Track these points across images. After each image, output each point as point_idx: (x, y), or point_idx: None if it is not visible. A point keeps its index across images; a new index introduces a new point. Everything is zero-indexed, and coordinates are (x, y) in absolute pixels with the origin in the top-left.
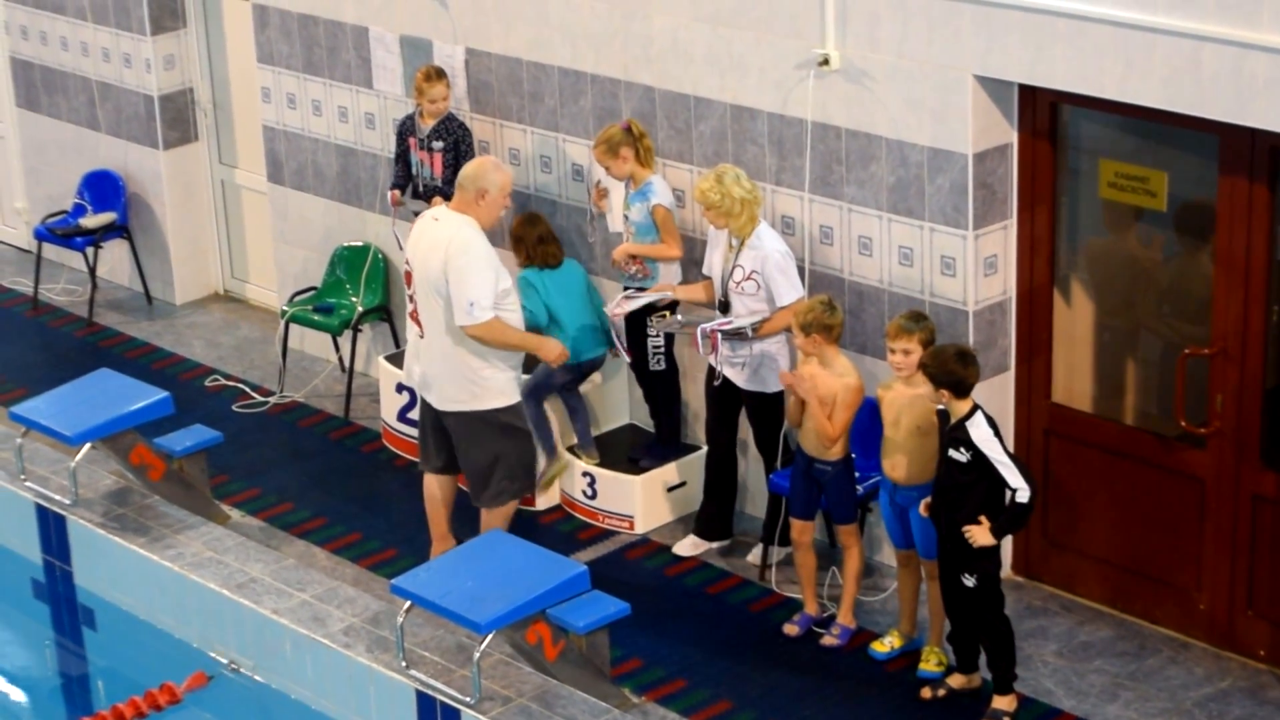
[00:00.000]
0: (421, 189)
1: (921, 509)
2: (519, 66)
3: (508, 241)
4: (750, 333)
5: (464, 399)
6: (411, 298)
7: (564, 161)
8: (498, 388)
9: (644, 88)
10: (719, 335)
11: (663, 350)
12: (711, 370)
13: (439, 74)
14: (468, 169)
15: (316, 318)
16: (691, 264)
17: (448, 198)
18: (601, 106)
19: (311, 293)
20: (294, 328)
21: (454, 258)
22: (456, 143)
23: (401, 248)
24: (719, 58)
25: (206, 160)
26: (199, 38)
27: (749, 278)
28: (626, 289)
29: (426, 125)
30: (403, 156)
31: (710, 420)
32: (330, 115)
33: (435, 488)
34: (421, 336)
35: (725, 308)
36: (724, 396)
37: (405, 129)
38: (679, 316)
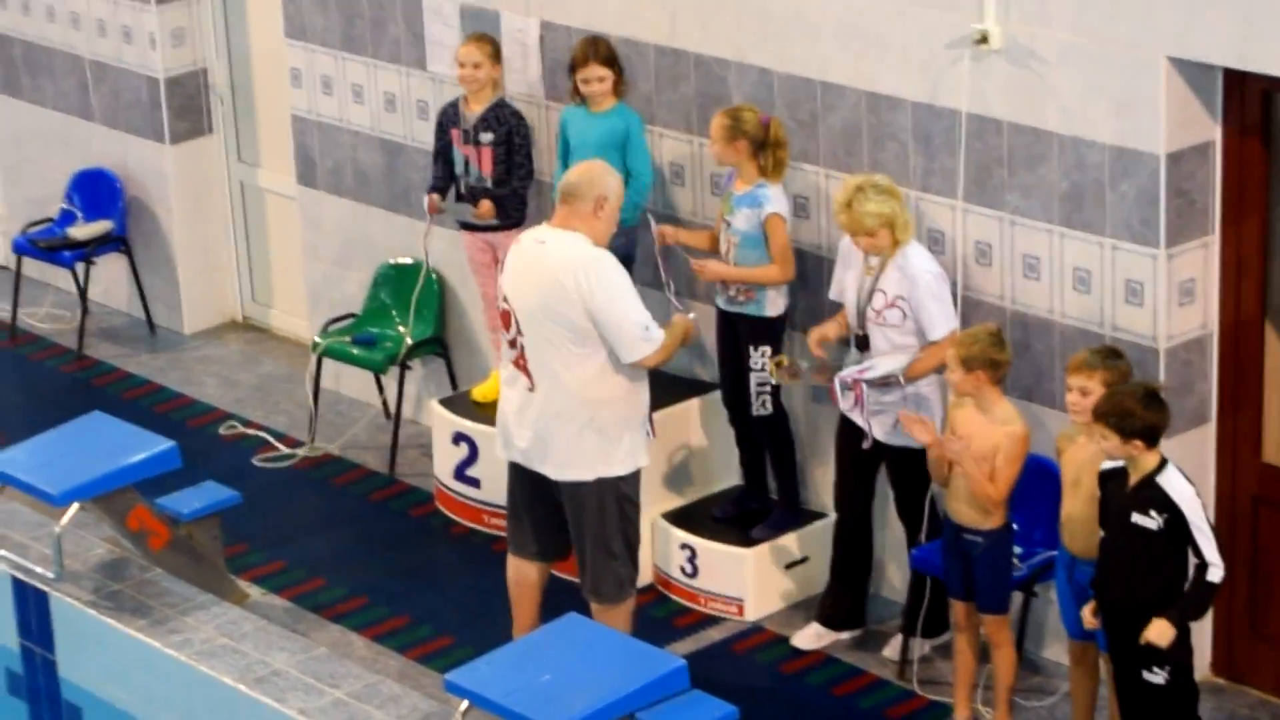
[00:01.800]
0: (465, 191)
1: (1087, 615)
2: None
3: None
4: (900, 378)
5: (591, 465)
6: (514, 342)
7: (661, 160)
8: (628, 449)
9: (759, 71)
10: (863, 386)
11: (769, 390)
12: (848, 425)
13: (479, 37)
14: (578, 175)
15: (356, 352)
16: (800, 288)
17: (498, 201)
18: (706, 93)
19: (350, 321)
20: (328, 363)
21: (594, 285)
22: (509, 134)
23: (428, 263)
24: (852, 34)
25: (223, 157)
26: (214, 6)
27: (892, 305)
28: (728, 315)
29: (473, 113)
30: (443, 153)
31: (841, 481)
32: (375, 103)
33: (533, 573)
34: (532, 389)
35: (862, 343)
36: (860, 450)
37: (446, 119)
38: (804, 364)
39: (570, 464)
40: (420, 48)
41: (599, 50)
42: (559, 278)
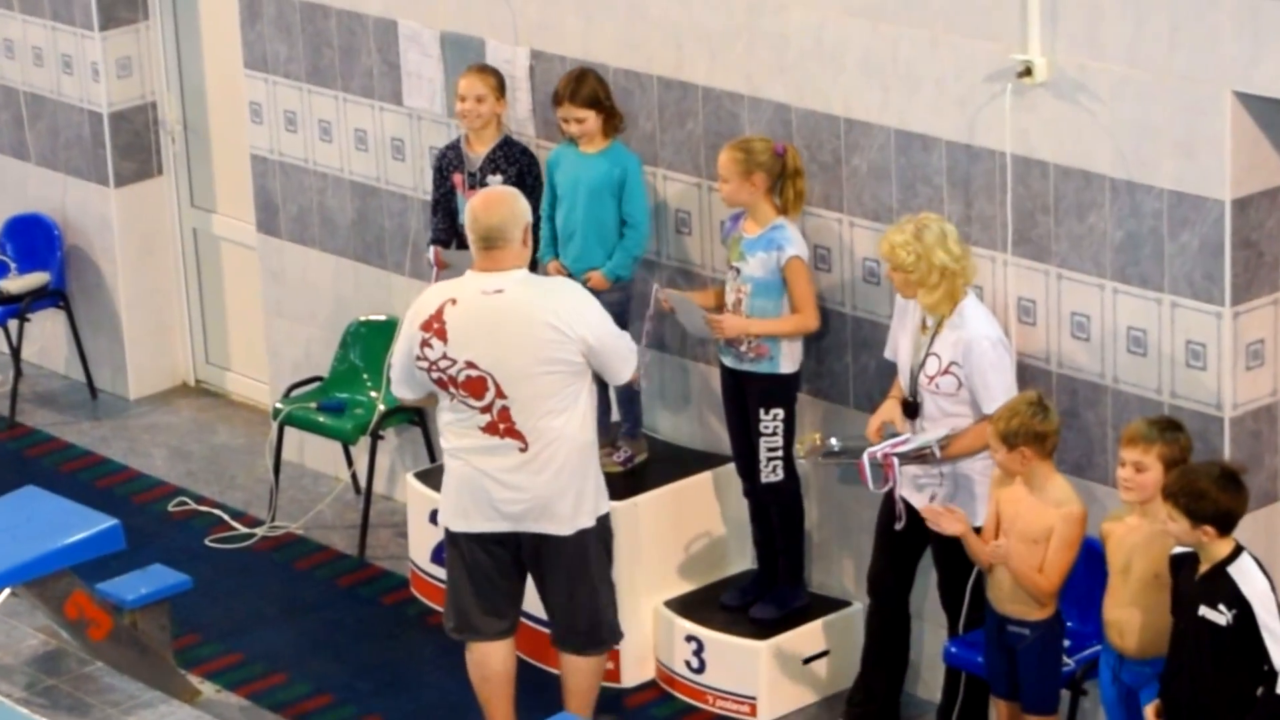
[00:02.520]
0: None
1: (1150, 716)
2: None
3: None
4: (936, 452)
5: (592, 509)
6: (489, 408)
7: (665, 205)
8: (602, 485)
9: (775, 106)
10: (895, 461)
11: (780, 455)
12: (891, 507)
13: (481, 68)
14: (495, 215)
15: (323, 419)
16: (817, 349)
17: None
18: (717, 130)
19: (316, 385)
20: (291, 433)
21: (586, 317)
22: (520, 175)
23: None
24: (881, 65)
25: (174, 202)
26: (165, 34)
27: (946, 371)
28: (736, 374)
29: (477, 154)
30: (444, 201)
31: (878, 564)
32: (344, 141)
33: (498, 661)
34: (525, 449)
35: (913, 410)
36: (889, 527)
37: (447, 163)
38: (834, 441)
39: (576, 514)
40: (395, 79)
41: (580, 90)
42: (546, 322)
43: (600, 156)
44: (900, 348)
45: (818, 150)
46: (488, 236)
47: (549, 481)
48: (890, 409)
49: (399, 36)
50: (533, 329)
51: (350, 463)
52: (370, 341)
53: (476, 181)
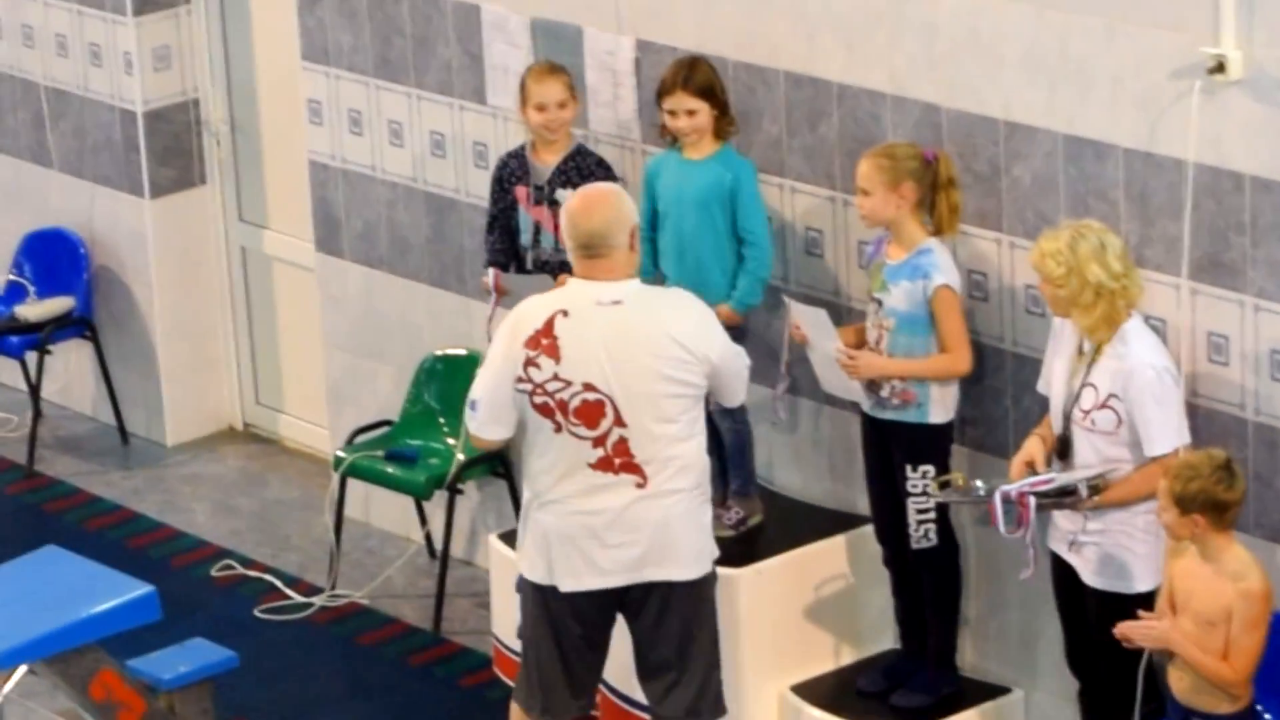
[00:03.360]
0: (535, 266)
1: None
2: (722, 70)
3: None
4: (1084, 493)
5: (708, 551)
6: (603, 439)
7: (792, 223)
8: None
9: (923, 107)
10: (1031, 501)
11: (932, 517)
12: (1061, 566)
13: (553, 67)
14: (599, 218)
15: (392, 471)
16: (972, 392)
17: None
18: (854, 135)
19: (384, 430)
20: (355, 485)
21: (712, 335)
22: None
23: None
24: (1047, 59)
25: (219, 216)
26: (209, 19)
27: (1104, 405)
28: (878, 423)
29: (545, 165)
30: (503, 216)
31: (1068, 639)
32: (419, 145)
33: None
34: (643, 485)
35: (1064, 449)
36: (1062, 591)
37: (509, 173)
38: (979, 483)
39: (700, 554)
40: (478, 74)
41: (694, 76)
42: (673, 338)
43: (709, 163)
44: (1054, 377)
45: (972, 159)
46: (590, 243)
47: (671, 520)
48: (1034, 447)
49: (482, 24)
50: (660, 346)
51: (424, 521)
52: (448, 379)
53: (544, 196)
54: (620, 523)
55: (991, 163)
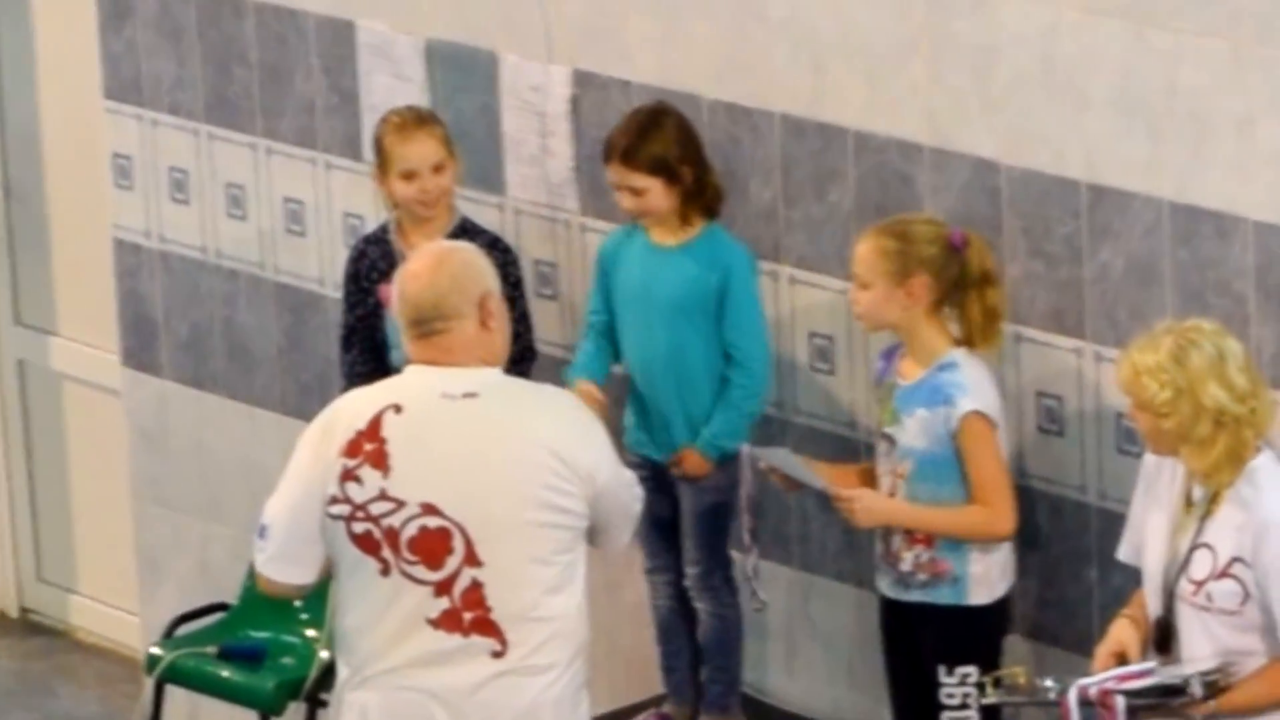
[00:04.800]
0: None
1: None
2: (694, 113)
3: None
4: (1199, 691)
5: None
6: (448, 584)
7: (792, 325)
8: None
9: (974, 163)
10: (1119, 703)
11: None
12: None
13: (421, 119)
14: (427, 285)
15: (228, 674)
16: (1048, 568)
17: None
18: (879, 203)
19: (219, 617)
20: (178, 695)
21: (596, 444)
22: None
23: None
24: (1147, 97)
25: None
26: None
27: (1225, 573)
28: (900, 607)
29: (416, 249)
30: (364, 326)
31: None
32: (267, 218)
33: None
34: (502, 652)
35: (1166, 634)
36: None
37: (368, 266)
38: (1050, 682)
39: None
40: (351, 118)
41: (640, 147)
42: (545, 446)
43: (686, 253)
44: (1150, 538)
45: (1044, 236)
46: (421, 317)
47: (536, 705)
48: (1125, 633)
49: (357, 48)
50: (529, 454)
51: None
52: None
53: None
54: (470, 707)
55: (1069, 242)
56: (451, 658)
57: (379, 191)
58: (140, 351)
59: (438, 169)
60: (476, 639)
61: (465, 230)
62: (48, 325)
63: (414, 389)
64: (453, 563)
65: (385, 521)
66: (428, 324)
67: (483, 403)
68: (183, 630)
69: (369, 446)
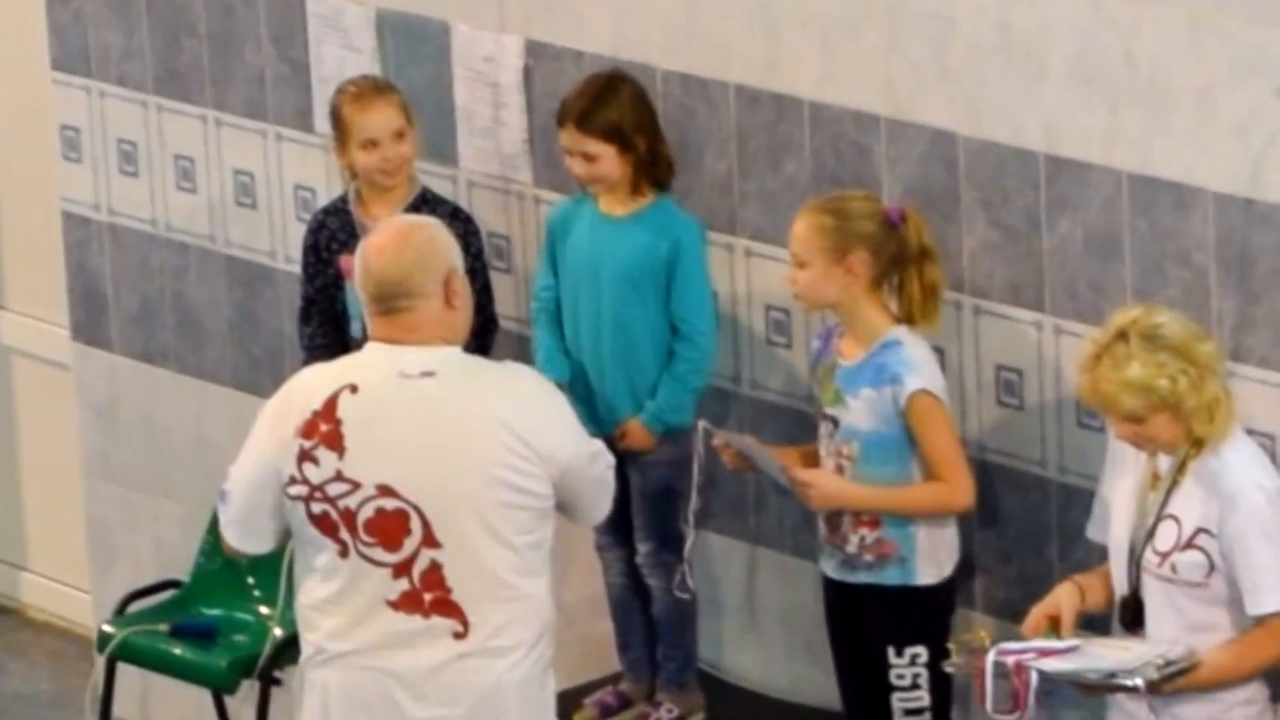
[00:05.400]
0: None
1: None
2: (648, 82)
3: None
4: (1141, 685)
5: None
6: (407, 565)
7: (748, 299)
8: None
9: (932, 134)
10: (1033, 676)
11: (925, 712)
12: None
13: (379, 87)
14: (391, 261)
15: (180, 652)
16: (1003, 544)
17: None
18: (835, 173)
19: (170, 594)
20: (129, 672)
21: (560, 423)
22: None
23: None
24: (1106, 69)
25: None
26: None
27: (1190, 545)
28: (845, 589)
29: (380, 220)
30: (323, 298)
31: None
32: (217, 190)
33: None
34: (464, 634)
35: (1132, 612)
36: None
37: (327, 237)
38: (989, 648)
39: None
40: (302, 89)
41: (596, 110)
42: (504, 423)
43: (636, 223)
44: (1114, 511)
45: (1002, 208)
46: (384, 293)
47: (500, 685)
48: (1065, 595)
49: (308, 18)
50: (486, 433)
51: None
52: None
53: None
54: (430, 689)
55: (1028, 214)
56: (413, 639)
57: (338, 163)
58: (90, 326)
59: (398, 136)
60: (437, 620)
61: (426, 200)
62: None
63: (371, 368)
64: (410, 544)
65: (342, 503)
66: (391, 300)
67: (440, 382)
68: (134, 607)
69: (325, 427)
